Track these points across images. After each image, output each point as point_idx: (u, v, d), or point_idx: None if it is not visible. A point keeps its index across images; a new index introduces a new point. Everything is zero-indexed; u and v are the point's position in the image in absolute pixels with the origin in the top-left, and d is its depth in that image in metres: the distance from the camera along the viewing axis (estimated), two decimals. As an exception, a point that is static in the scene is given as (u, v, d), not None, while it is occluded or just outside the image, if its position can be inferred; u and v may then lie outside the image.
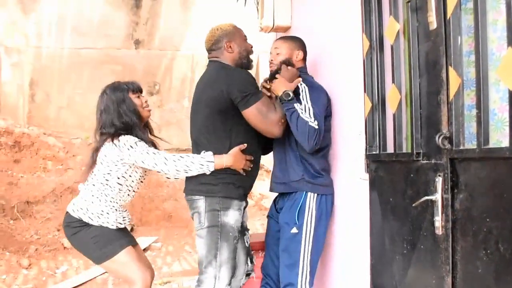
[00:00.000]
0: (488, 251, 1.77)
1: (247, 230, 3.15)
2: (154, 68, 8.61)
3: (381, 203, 2.44)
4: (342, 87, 2.92)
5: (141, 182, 3.06)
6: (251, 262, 3.13)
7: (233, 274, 2.86)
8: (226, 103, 2.76)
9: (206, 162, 2.74)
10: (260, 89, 2.90)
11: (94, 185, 2.91)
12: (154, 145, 3.05)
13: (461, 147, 1.90)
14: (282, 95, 2.77)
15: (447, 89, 1.94)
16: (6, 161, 7.47)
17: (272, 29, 3.81)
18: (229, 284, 2.83)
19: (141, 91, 3.04)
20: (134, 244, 3.07)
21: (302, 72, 3.01)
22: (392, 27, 2.32)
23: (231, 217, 2.80)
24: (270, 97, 2.90)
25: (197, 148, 2.88)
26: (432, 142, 2.00)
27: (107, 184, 2.87)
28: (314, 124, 2.71)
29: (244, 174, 2.85)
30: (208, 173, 2.76)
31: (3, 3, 8.22)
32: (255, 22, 4.10)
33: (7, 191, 7.08)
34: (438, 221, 1.96)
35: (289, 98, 2.76)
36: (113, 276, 2.96)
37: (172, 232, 7.30)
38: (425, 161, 2.08)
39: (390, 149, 2.39)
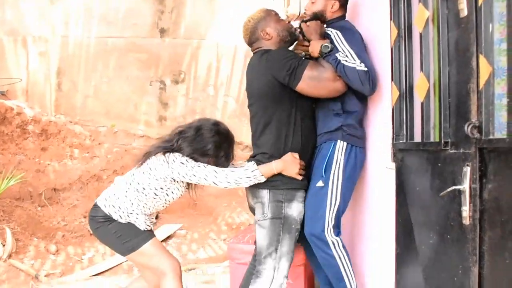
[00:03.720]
0: (517, 242, 1.75)
1: None
2: (180, 56, 8.62)
3: (407, 193, 2.42)
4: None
5: (180, 196, 3.00)
6: None
7: (290, 266, 2.84)
8: (276, 86, 2.72)
9: (251, 174, 2.72)
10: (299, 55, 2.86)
11: (130, 185, 2.88)
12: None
13: (491, 137, 1.87)
14: (320, 50, 2.71)
15: (477, 77, 1.91)
16: (34, 149, 7.59)
17: (298, 17, 3.78)
18: (287, 276, 2.81)
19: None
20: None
21: (336, 20, 2.92)
22: (421, 15, 2.29)
23: (295, 209, 2.77)
24: (310, 57, 2.84)
25: (258, 144, 2.87)
26: (461, 131, 1.98)
27: (143, 193, 2.84)
28: (362, 67, 2.61)
29: (300, 179, 2.78)
30: (262, 181, 2.74)
31: (31, -8, 8.33)
32: (281, 10, 4.08)
33: (35, 179, 7.20)
34: (466, 211, 1.94)
35: (329, 49, 2.69)
36: (141, 270, 2.99)
37: (197, 220, 7.35)
38: (453, 151, 2.05)
39: (417, 138, 2.37)
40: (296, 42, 2.97)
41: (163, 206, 2.96)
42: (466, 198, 1.93)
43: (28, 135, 7.67)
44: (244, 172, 2.73)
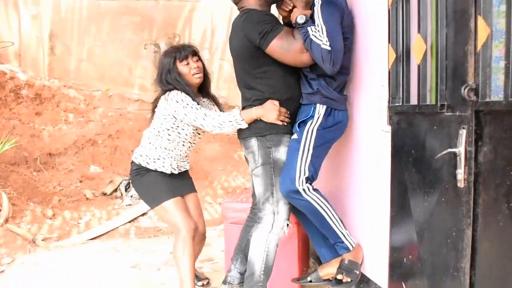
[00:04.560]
0: (511, 205, 1.76)
1: None
2: (174, 19, 8.50)
3: (403, 156, 2.42)
4: (365, 38, 2.87)
5: (198, 134, 3.26)
6: None
7: (290, 210, 2.91)
8: (251, 48, 2.77)
9: (233, 119, 2.85)
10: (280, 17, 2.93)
11: (150, 133, 3.24)
12: (216, 102, 3.41)
13: (487, 99, 1.86)
14: (296, 20, 2.75)
15: (475, 39, 1.89)
16: (28, 113, 7.54)
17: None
18: (288, 219, 2.89)
19: (193, 55, 3.19)
20: (186, 193, 3.37)
21: None
22: (418, -25, 2.25)
23: (283, 153, 2.85)
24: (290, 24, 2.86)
25: (246, 101, 2.95)
26: (457, 94, 1.97)
27: (159, 135, 3.18)
28: (327, 46, 2.63)
29: (282, 124, 2.84)
30: (244, 127, 2.87)
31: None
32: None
33: (30, 143, 7.17)
34: (461, 174, 1.95)
35: (302, 21, 2.72)
36: (163, 222, 3.53)
37: (192, 184, 7.35)
38: (449, 113, 2.05)
39: (413, 101, 2.36)
40: (280, 3, 2.94)
41: (183, 145, 3.25)
42: (461, 161, 1.94)
43: (22, 100, 7.62)
44: (227, 116, 2.89)
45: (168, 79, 3.11)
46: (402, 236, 2.51)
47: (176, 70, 3.12)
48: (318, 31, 2.67)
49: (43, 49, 8.25)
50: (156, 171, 3.21)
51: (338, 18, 2.76)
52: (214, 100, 3.42)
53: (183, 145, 3.23)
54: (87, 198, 6.61)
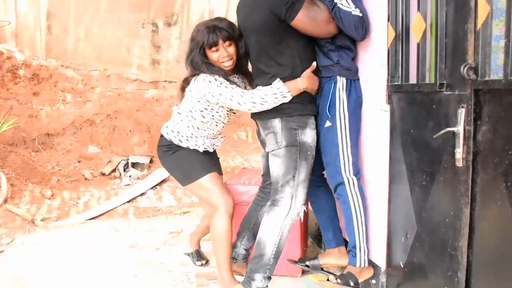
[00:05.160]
0: (509, 184, 1.76)
1: None
2: (172, -2, 8.45)
3: (402, 135, 2.42)
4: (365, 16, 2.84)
5: (233, 113, 3.10)
6: None
7: (307, 194, 2.86)
8: (276, 22, 2.66)
9: (278, 91, 2.70)
10: None
11: (181, 112, 3.03)
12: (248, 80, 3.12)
13: (487, 78, 1.85)
14: None
15: (475, 17, 1.87)
16: (25, 93, 7.51)
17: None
18: (304, 203, 2.84)
19: (224, 41, 2.87)
20: (219, 172, 3.18)
21: None
22: (419, -48, 2.23)
23: (309, 135, 2.77)
24: None
25: (263, 77, 2.81)
26: (457, 73, 1.96)
27: (192, 116, 2.97)
28: (357, 12, 2.59)
29: (314, 96, 2.81)
30: (287, 101, 2.72)
31: None
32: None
33: (28, 124, 7.16)
34: (459, 153, 1.95)
35: None
36: (199, 199, 3.37)
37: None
38: (448, 92, 2.04)
39: (412, 79, 2.34)
40: None
41: (217, 125, 3.07)
42: (460, 140, 1.93)
43: (19, 80, 7.58)
44: (269, 89, 2.72)
45: (196, 65, 2.90)
46: (400, 215, 2.52)
47: (205, 55, 2.89)
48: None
49: (40, 28, 8.18)
50: (188, 148, 3.05)
51: None
52: (246, 76, 3.16)
53: (216, 125, 3.05)
54: (85, 178, 6.62)
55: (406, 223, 2.44)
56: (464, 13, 1.92)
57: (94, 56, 8.28)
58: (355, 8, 2.60)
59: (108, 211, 5.47)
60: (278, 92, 2.69)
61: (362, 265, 2.81)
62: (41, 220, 5.00)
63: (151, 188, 6.23)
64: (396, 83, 2.46)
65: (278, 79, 2.72)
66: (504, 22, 1.77)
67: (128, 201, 5.81)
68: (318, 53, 2.85)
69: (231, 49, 2.89)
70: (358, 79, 2.86)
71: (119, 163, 6.88)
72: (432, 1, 2.17)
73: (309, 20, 2.63)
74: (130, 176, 6.66)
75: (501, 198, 1.80)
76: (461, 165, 1.96)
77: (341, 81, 2.77)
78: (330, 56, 2.79)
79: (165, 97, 8.00)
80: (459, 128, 1.93)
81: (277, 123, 2.76)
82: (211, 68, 2.87)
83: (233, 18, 2.98)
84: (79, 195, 6.00)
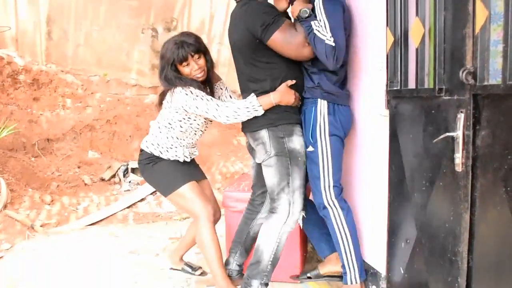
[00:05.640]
0: (508, 188, 1.76)
1: None
2: (171, 3, 8.43)
3: (401, 140, 2.42)
4: (363, 21, 2.84)
5: (209, 122, 3.15)
6: None
7: (304, 200, 2.89)
8: (254, 41, 2.73)
9: (250, 105, 2.78)
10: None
11: (160, 123, 3.10)
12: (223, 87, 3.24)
13: (485, 83, 1.85)
14: (299, 13, 2.70)
15: (473, 22, 1.88)
16: (25, 99, 7.50)
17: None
18: (302, 209, 2.88)
19: (193, 54, 2.93)
20: (199, 179, 3.24)
21: None
22: (417, -43, 2.23)
23: (297, 142, 2.81)
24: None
25: (247, 92, 2.88)
26: (455, 78, 1.96)
27: (171, 127, 3.03)
28: (331, 41, 2.61)
29: (296, 106, 2.85)
30: (259, 114, 2.79)
31: None
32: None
33: (27, 129, 7.15)
34: (458, 158, 1.94)
35: (306, 15, 2.68)
36: (181, 210, 3.28)
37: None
38: (447, 97, 2.04)
39: (411, 84, 2.34)
40: None
41: (195, 134, 3.13)
42: (459, 145, 1.93)
43: (20, 85, 7.57)
44: (243, 103, 2.80)
45: (170, 81, 2.94)
46: (400, 221, 2.51)
47: (177, 70, 2.95)
48: (321, 26, 2.64)
49: (40, 34, 8.18)
50: (169, 160, 3.09)
51: (341, 13, 2.73)
52: (221, 85, 3.26)
53: (195, 133, 3.11)
54: (85, 184, 6.61)
55: (406, 228, 2.44)
56: (462, 18, 1.92)
57: (94, 61, 8.29)
58: (330, 37, 2.61)
59: (108, 216, 5.46)
60: (250, 106, 2.78)
61: (354, 283, 2.87)
62: (41, 226, 4.99)
63: (151, 194, 6.22)
64: (395, 88, 2.46)
65: (252, 93, 2.81)
66: (502, 26, 1.77)
67: (128, 207, 5.80)
68: (304, 73, 2.90)
69: (201, 61, 2.98)
70: (346, 105, 2.89)
71: (118, 168, 6.88)
72: (431, 6, 2.17)
73: (283, 42, 2.69)
74: (130, 182, 6.65)
75: (500, 203, 1.80)
76: (460, 170, 1.95)
77: (321, 104, 2.81)
78: (312, 78, 2.84)
79: (165, 102, 8.00)
80: (458, 133, 1.93)
81: (264, 133, 2.82)
82: (185, 80, 2.93)
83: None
84: (78, 200, 5.99)
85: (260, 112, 2.78)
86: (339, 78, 2.85)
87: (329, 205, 2.81)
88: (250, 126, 2.88)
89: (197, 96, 2.87)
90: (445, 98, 2.05)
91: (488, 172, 1.87)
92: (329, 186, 2.81)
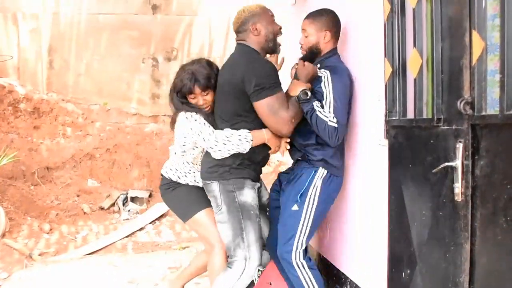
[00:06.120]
0: (508, 218, 1.75)
1: (268, 207, 3.19)
2: (172, 33, 8.52)
3: (400, 169, 2.42)
4: (362, 52, 2.88)
5: None
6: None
7: (261, 254, 2.88)
8: (241, 90, 2.73)
9: (243, 134, 2.78)
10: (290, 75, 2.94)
11: (176, 150, 3.11)
12: None
13: (483, 113, 1.87)
14: (299, 94, 2.73)
15: (470, 53, 1.90)
16: (26, 127, 7.53)
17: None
18: (261, 264, 2.86)
19: (202, 90, 2.97)
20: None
21: (329, 54, 2.94)
22: (414, -10, 2.27)
23: (248, 195, 2.82)
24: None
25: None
26: (453, 108, 1.97)
27: (185, 151, 3.06)
28: (333, 122, 2.68)
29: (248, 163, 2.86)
30: (247, 148, 2.78)
31: (20, -32, 8.19)
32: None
33: (27, 157, 7.16)
34: (458, 187, 1.94)
35: (307, 97, 2.72)
36: (198, 236, 3.36)
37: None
38: (445, 127, 2.05)
39: (410, 114, 2.36)
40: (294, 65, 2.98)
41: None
42: (459, 174, 1.93)
43: (20, 114, 7.61)
44: (236, 131, 2.80)
45: (176, 105, 3.02)
46: (401, 250, 2.50)
47: (184, 97, 3.00)
48: (326, 105, 2.71)
49: (42, 63, 8.26)
50: (188, 185, 3.12)
51: (348, 87, 2.81)
52: None
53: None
54: (84, 213, 6.58)
55: (407, 258, 2.42)
56: (459, 48, 1.95)
57: (94, 90, 8.33)
58: (333, 117, 2.68)
59: (107, 245, 5.43)
60: (242, 135, 2.78)
61: None
62: (39, 255, 4.96)
63: (150, 223, 6.19)
64: (394, 118, 2.47)
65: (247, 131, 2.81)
66: (498, 56, 1.79)
67: (127, 236, 5.76)
68: (308, 147, 2.93)
69: (209, 97, 2.99)
70: (340, 176, 2.95)
71: (118, 197, 6.86)
72: (428, 37, 2.20)
73: (269, 111, 2.71)
74: (129, 211, 6.63)
75: (501, 233, 1.80)
76: (460, 200, 1.95)
77: (322, 172, 2.87)
78: (314, 154, 2.88)
79: (165, 131, 8.01)
80: (457, 163, 1.94)
81: (215, 186, 2.84)
82: (191, 106, 2.97)
83: (231, 49, 3.02)
84: (77, 229, 5.97)
85: (250, 145, 2.78)
86: (340, 148, 2.92)
87: (297, 265, 2.83)
88: (204, 177, 2.91)
89: (195, 120, 2.89)
90: (443, 128, 2.06)
91: (487, 202, 1.87)
92: (301, 247, 2.84)
